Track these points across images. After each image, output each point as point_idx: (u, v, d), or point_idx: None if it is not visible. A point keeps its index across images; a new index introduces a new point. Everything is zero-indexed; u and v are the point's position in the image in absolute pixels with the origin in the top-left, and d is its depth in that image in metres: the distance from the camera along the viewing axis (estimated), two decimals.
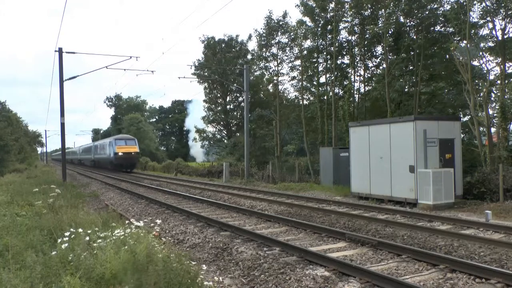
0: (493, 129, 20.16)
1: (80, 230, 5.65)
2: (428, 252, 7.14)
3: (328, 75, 39.30)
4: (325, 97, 34.97)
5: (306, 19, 40.19)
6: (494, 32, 23.38)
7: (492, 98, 23.39)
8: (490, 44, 24.51)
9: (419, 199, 13.02)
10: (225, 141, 50.52)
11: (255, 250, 7.97)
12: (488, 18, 26.37)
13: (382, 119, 19.14)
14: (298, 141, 40.45)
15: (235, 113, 51.96)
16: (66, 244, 5.22)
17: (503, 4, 24.70)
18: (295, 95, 44.26)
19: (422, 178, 12.90)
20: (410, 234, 8.96)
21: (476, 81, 24.08)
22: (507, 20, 24.93)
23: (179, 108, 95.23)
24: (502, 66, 21.45)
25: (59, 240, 5.44)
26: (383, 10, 33.51)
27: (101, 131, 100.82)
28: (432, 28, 31.16)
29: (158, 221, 7.59)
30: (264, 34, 45.65)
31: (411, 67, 29.36)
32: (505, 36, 22.58)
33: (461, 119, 19.54)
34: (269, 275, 6.45)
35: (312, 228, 9.79)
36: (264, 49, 46.73)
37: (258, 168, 31.51)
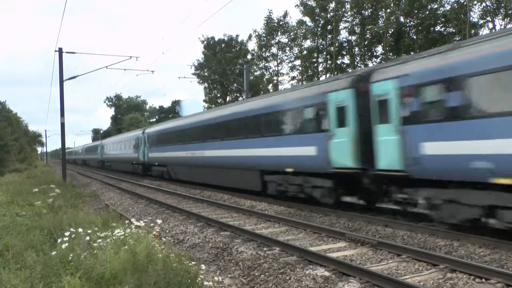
0: None
1: (80, 230, 5.65)
2: (428, 252, 7.14)
3: (328, 75, 39.27)
4: None
5: (306, 19, 40.26)
6: None
7: None
8: None
9: None
10: None
11: (255, 250, 7.97)
12: (488, 18, 26.36)
13: None
14: None
15: None
16: (66, 244, 5.22)
17: (503, 4, 24.67)
18: None
19: None
20: (410, 234, 8.96)
21: None
22: (507, 20, 24.92)
23: (179, 109, 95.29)
24: None
25: (59, 240, 5.45)
26: (383, 10, 33.51)
27: (101, 131, 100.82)
28: (432, 28, 31.14)
29: (158, 221, 7.59)
30: (264, 34, 45.68)
31: None
32: None
33: None
34: (269, 275, 6.45)
35: (312, 228, 9.79)
36: (264, 49, 46.79)
37: None
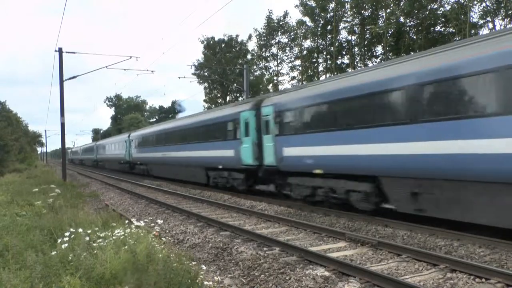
0: None
1: (80, 230, 5.65)
2: (428, 252, 7.14)
3: (328, 75, 39.24)
4: None
5: (306, 19, 40.27)
6: None
7: None
8: None
9: None
10: None
11: (255, 250, 7.97)
12: (488, 18, 26.39)
13: None
14: None
15: None
16: (66, 244, 5.22)
17: (502, 5, 24.66)
18: None
19: None
20: (410, 234, 8.96)
21: None
22: (507, 20, 24.93)
23: (179, 108, 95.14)
24: None
25: (59, 240, 5.45)
26: (383, 10, 33.53)
27: (101, 131, 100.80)
28: (432, 28, 31.15)
29: (158, 221, 7.59)
30: (264, 34, 45.68)
31: None
32: None
33: None
34: (269, 275, 6.45)
35: (312, 228, 9.78)
36: (264, 49, 46.79)
37: None
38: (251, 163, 15.60)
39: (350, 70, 34.84)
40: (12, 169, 42.12)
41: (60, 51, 24.02)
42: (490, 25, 26.77)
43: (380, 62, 20.62)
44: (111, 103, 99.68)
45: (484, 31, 26.80)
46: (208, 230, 10.23)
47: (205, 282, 4.93)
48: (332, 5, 37.27)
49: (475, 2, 26.83)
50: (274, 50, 46.64)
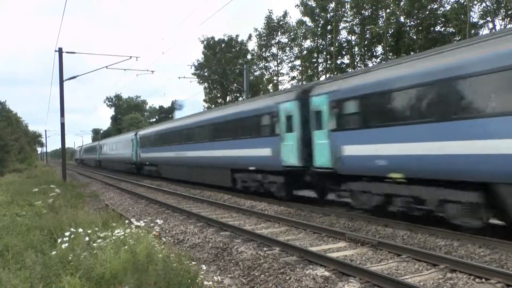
0: None
1: (80, 230, 5.65)
2: (428, 252, 7.14)
3: (328, 75, 39.20)
4: None
5: (306, 19, 40.26)
6: None
7: None
8: None
9: None
10: None
11: (255, 250, 7.97)
12: (488, 18, 26.39)
13: None
14: None
15: None
16: (66, 244, 5.21)
17: (502, 5, 24.66)
18: None
19: None
20: (410, 234, 8.96)
21: None
22: (507, 20, 24.94)
23: (179, 108, 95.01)
24: None
25: (59, 240, 5.44)
26: (383, 10, 33.51)
27: (101, 131, 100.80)
28: (432, 28, 31.13)
29: (158, 221, 7.59)
30: (264, 34, 45.68)
31: None
32: None
33: None
34: (269, 275, 6.45)
35: (312, 228, 9.78)
36: (264, 49, 46.78)
37: None
38: None
39: (350, 70, 34.72)
40: (12, 169, 42.13)
41: (60, 51, 24.02)
42: (490, 25, 26.78)
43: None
44: (111, 103, 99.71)
45: (484, 31, 26.83)
46: (208, 230, 10.23)
47: (205, 282, 4.92)
48: (332, 5, 37.26)
49: (475, 2, 26.84)
50: (274, 50, 46.65)
